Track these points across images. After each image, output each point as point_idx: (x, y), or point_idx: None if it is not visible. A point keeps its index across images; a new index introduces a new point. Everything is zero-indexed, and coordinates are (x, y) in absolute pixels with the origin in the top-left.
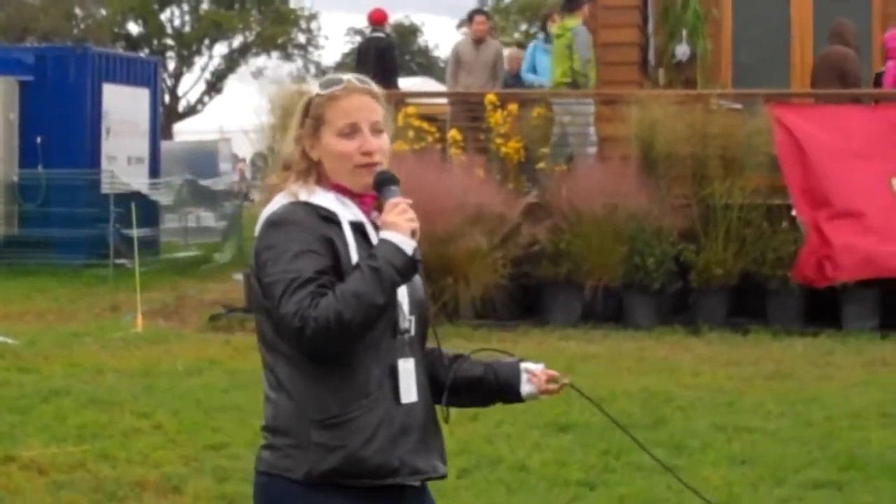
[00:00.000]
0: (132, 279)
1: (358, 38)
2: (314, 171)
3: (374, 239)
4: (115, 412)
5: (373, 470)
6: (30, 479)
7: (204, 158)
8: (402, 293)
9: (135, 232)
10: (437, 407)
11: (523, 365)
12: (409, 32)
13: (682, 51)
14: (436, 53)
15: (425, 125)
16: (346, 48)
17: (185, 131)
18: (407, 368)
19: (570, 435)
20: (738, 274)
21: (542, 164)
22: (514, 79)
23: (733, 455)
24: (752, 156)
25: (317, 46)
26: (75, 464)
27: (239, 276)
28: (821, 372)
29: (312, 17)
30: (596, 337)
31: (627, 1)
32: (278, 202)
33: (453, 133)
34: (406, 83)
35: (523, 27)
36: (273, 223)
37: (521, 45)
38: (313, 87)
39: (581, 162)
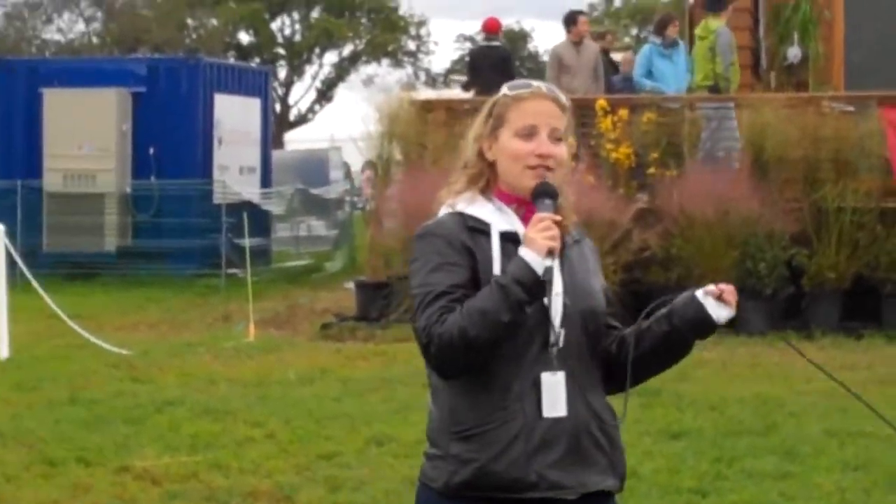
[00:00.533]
0: (244, 289)
1: (468, 45)
2: (486, 175)
3: None
4: (228, 422)
5: (508, 484)
6: (144, 489)
7: (315, 167)
8: (556, 304)
9: (247, 241)
10: (612, 406)
11: (699, 293)
12: (518, 38)
13: (793, 53)
14: (545, 59)
15: None
16: (456, 55)
17: (296, 140)
18: (552, 382)
19: (681, 442)
20: (851, 278)
21: (652, 170)
22: (626, 82)
23: (846, 461)
24: (865, 158)
25: (427, 53)
26: (188, 474)
27: (350, 285)
28: None
29: (422, 23)
30: (708, 343)
31: (739, 3)
32: (441, 212)
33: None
34: None
35: (634, 31)
36: (420, 235)
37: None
38: (503, 89)
39: (724, 164)
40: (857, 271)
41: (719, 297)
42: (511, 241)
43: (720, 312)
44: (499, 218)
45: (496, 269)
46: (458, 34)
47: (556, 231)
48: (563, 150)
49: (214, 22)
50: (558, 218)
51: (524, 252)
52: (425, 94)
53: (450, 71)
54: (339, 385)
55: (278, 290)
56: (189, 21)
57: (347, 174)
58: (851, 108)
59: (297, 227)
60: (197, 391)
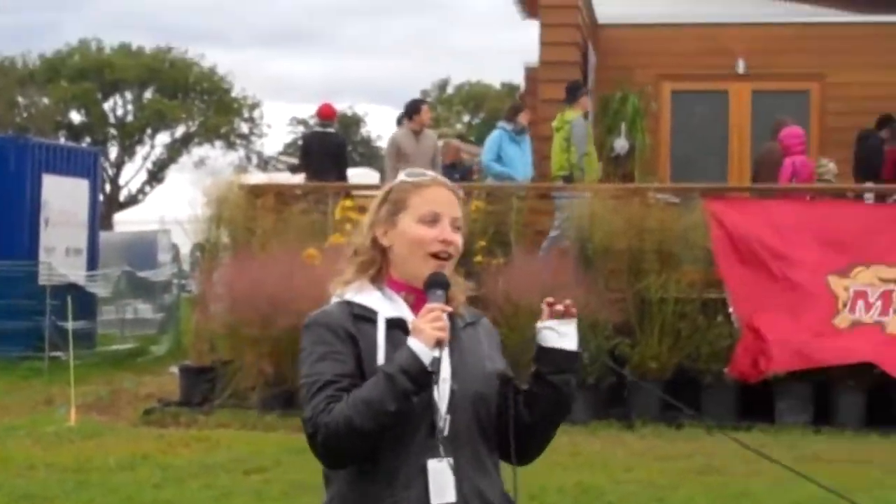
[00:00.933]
0: (67, 372)
1: (301, 128)
2: (378, 263)
3: None
4: None
5: None
6: None
7: (143, 249)
8: (443, 390)
9: (70, 324)
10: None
11: (539, 325)
12: (352, 122)
13: (620, 145)
14: (378, 143)
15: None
16: (289, 137)
17: (126, 221)
18: (439, 468)
19: None
20: (673, 368)
21: (479, 258)
22: (448, 169)
23: None
24: (688, 250)
25: (259, 135)
26: None
27: (174, 369)
28: (752, 467)
29: (255, 105)
30: None
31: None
32: (330, 301)
33: None
34: (349, 174)
35: (466, 118)
36: (307, 325)
37: (462, 137)
38: (399, 176)
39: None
40: (678, 361)
41: (562, 316)
42: (398, 328)
43: (561, 343)
44: (387, 305)
45: (380, 357)
46: (292, 117)
47: (445, 322)
48: (460, 240)
49: (46, 101)
50: (449, 308)
51: (412, 342)
52: (255, 177)
53: (282, 153)
54: (159, 471)
55: (102, 373)
56: (20, 99)
57: (176, 257)
58: (676, 200)
59: (123, 309)
60: (16, 476)
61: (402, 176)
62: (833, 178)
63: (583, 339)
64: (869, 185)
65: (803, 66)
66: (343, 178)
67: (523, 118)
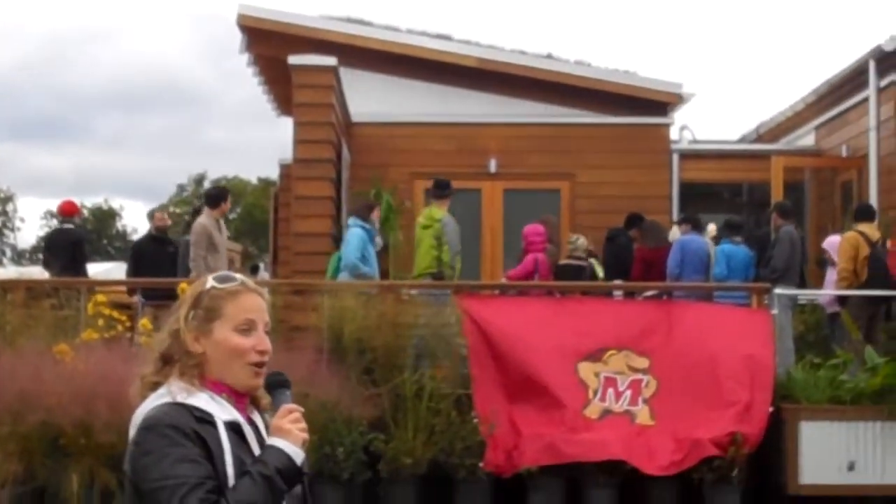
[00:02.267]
0: None
1: (55, 222)
2: (199, 367)
3: (250, 438)
4: None
5: None
6: None
7: None
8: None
9: None
10: None
11: (269, 442)
12: (108, 216)
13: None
14: (134, 236)
15: (115, 313)
16: (42, 231)
17: None
18: None
19: None
20: (427, 463)
21: None
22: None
23: None
24: (442, 345)
25: (13, 229)
26: None
27: None
28: None
29: (8, 199)
30: None
31: (320, 192)
32: (152, 403)
33: (144, 322)
34: (98, 269)
35: None
36: (149, 427)
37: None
38: (207, 282)
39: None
40: (432, 457)
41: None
42: (234, 430)
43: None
44: (218, 408)
45: (228, 459)
46: (46, 210)
47: (305, 423)
48: (270, 344)
49: None
50: (303, 410)
51: (282, 443)
52: (6, 272)
53: (35, 248)
54: None
55: None
56: None
57: None
58: (430, 296)
59: None
60: None
61: (211, 282)
62: (584, 253)
63: (338, 433)
64: (617, 282)
65: (554, 166)
66: (79, 271)
67: (375, 215)
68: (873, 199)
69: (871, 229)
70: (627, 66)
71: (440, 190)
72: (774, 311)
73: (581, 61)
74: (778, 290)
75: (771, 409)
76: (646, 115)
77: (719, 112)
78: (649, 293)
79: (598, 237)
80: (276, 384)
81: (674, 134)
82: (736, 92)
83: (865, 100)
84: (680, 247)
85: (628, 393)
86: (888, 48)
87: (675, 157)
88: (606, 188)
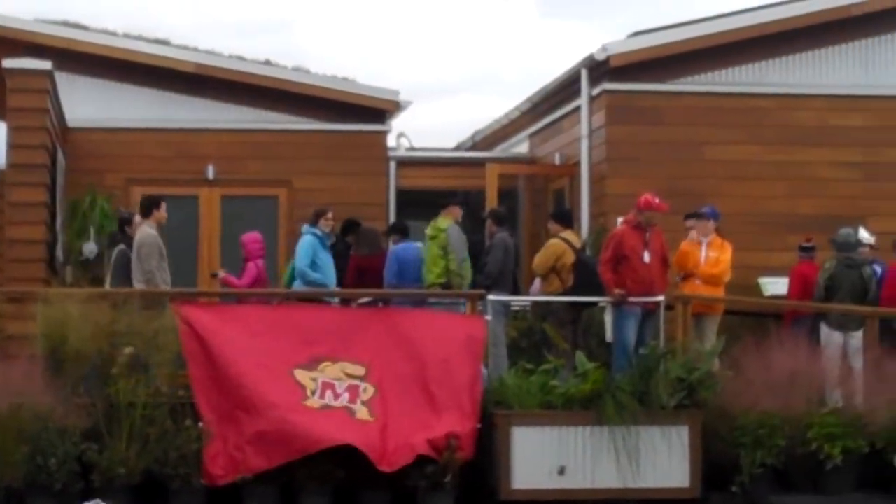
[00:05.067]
0: None
1: None
2: None
3: None
4: None
5: None
6: None
7: None
8: None
9: None
10: None
11: None
12: None
13: (89, 249)
14: None
15: None
16: None
17: None
18: None
19: None
20: (141, 473)
21: None
22: None
23: None
24: (159, 353)
25: None
26: None
27: None
28: None
29: None
30: None
31: (34, 198)
32: None
33: None
34: None
35: None
36: None
37: None
38: None
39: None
40: (146, 466)
41: None
42: None
43: None
44: None
45: None
46: None
47: None
48: None
49: None
50: None
51: None
52: None
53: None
54: None
55: None
56: None
57: None
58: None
59: None
60: None
61: None
62: None
63: (51, 444)
64: (335, 289)
65: (271, 173)
66: None
67: (325, 223)
68: (584, 207)
69: (574, 236)
70: (347, 74)
71: (445, 199)
72: (488, 318)
73: (300, 68)
74: (491, 297)
75: (484, 415)
76: (364, 123)
77: (438, 119)
78: (364, 300)
79: None
80: None
81: (391, 141)
82: (454, 99)
83: (578, 108)
84: (395, 256)
85: (346, 395)
86: (600, 58)
87: (393, 165)
88: (324, 195)
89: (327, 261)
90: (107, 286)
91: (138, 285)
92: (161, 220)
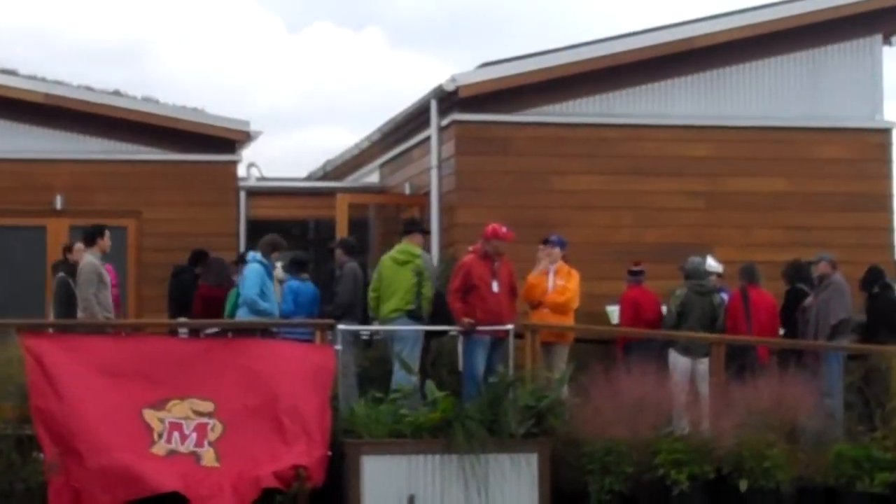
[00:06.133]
0: None
1: None
2: None
3: None
4: None
5: None
6: None
7: None
8: None
9: None
10: None
11: None
12: None
13: None
14: None
15: None
16: None
17: None
18: None
19: None
20: None
21: None
22: None
23: None
24: (3, 385)
25: None
26: None
27: None
28: None
29: None
30: None
31: None
32: None
33: None
34: None
35: None
36: None
37: None
38: None
39: None
40: None
41: None
42: None
43: None
44: None
45: None
46: None
47: None
48: None
49: None
50: None
51: None
52: None
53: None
54: None
55: None
56: None
57: None
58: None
59: None
60: None
61: None
62: None
63: None
64: (182, 319)
65: (120, 203)
66: None
67: (276, 255)
68: (434, 235)
69: None
70: (197, 104)
71: (411, 226)
72: (338, 347)
73: (149, 98)
74: (341, 326)
75: (335, 444)
76: (214, 153)
77: (290, 150)
78: (211, 330)
79: (163, 275)
80: None
81: (242, 171)
82: (306, 130)
83: (428, 139)
84: (290, 290)
85: (194, 436)
86: (449, 88)
87: (243, 195)
88: (173, 225)
89: (270, 289)
90: (50, 315)
91: (81, 314)
92: (105, 248)
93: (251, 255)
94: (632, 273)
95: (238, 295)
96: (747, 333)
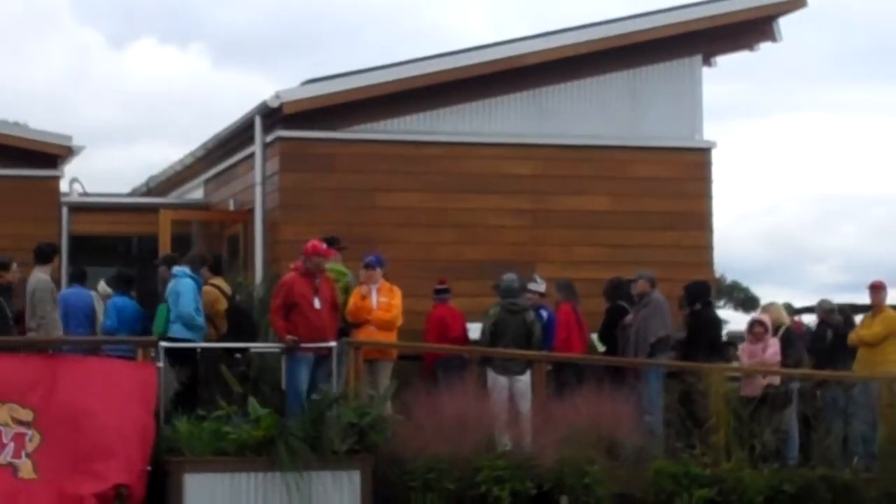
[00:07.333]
0: None
1: None
2: None
3: None
4: None
5: None
6: None
7: None
8: None
9: None
10: None
11: None
12: None
13: None
14: None
15: None
16: None
17: None
18: None
19: None
20: None
21: None
22: None
23: None
24: None
25: None
26: None
27: None
28: None
29: None
30: None
31: None
32: None
33: None
34: None
35: None
36: None
37: None
38: None
39: None
40: None
41: None
42: None
43: None
44: None
45: None
46: None
47: None
48: None
49: None
50: None
51: None
52: None
53: None
54: None
55: None
56: None
57: None
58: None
59: None
60: None
61: None
62: None
63: None
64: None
65: None
66: None
67: (204, 272)
68: (258, 252)
69: (224, 283)
70: (18, 118)
71: (335, 244)
72: (160, 364)
73: None
74: (164, 344)
75: (157, 462)
76: (35, 168)
77: (114, 164)
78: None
79: None
80: None
81: (64, 187)
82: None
83: (252, 155)
84: (63, 301)
85: (12, 445)
86: (273, 105)
87: (65, 210)
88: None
89: (200, 305)
90: None
91: (32, 332)
92: (55, 267)
93: (180, 269)
94: (437, 291)
95: (168, 310)
96: (580, 348)
